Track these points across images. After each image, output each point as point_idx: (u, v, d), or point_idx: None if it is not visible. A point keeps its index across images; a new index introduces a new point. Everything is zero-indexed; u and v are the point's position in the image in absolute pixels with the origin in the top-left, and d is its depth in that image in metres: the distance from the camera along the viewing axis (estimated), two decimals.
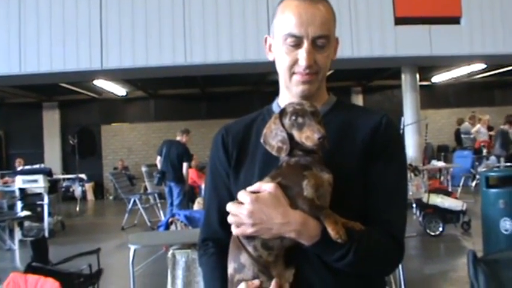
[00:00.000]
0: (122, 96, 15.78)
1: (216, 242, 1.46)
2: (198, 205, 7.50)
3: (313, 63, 1.36)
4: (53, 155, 16.03)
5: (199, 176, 10.96)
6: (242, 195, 1.26)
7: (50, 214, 9.21)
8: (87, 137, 16.20)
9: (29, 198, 9.35)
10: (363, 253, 1.25)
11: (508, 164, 10.96)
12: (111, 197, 15.64)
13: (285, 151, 1.28)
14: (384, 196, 1.34)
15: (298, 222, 1.22)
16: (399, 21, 7.98)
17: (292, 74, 1.39)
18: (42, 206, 9.08)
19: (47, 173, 9.66)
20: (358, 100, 16.59)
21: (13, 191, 9.45)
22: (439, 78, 15.01)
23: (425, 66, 11.53)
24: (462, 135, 13.92)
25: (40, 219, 8.94)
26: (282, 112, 1.31)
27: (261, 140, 1.33)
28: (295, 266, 1.30)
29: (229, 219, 1.27)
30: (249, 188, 1.28)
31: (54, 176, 11.22)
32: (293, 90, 1.41)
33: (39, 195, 9.22)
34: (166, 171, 8.96)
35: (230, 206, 1.27)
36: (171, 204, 9.00)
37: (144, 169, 11.58)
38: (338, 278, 1.30)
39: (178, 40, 7.76)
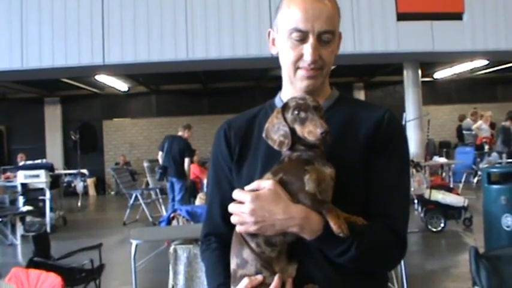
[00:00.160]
0: (124, 91, 15.77)
1: (218, 236, 1.46)
2: (199, 200, 7.53)
3: (318, 58, 1.35)
4: (54, 150, 16.04)
5: (202, 171, 10.96)
6: (241, 194, 1.26)
7: (51, 209, 9.22)
8: (89, 132, 16.21)
9: (31, 193, 9.36)
10: (365, 248, 1.25)
11: (510, 160, 10.96)
12: (112, 192, 15.66)
13: (287, 145, 1.27)
14: (387, 191, 1.34)
15: (301, 217, 1.22)
16: (401, 16, 7.94)
17: (296, 68, 1.38)
18: (44, 201, 9.10)
19: (49, 168, 9.68)
20: (360, 96, 16.55)
21: (15, 186, 9.47)
22: (441, 74, 14.99)
23: (428, 62, 11.50)
24: (464, 132, 13.90)
25: (42, 214, 8.95)
26: (285, 106, 1.31)
27: (263, 135, 1.33)
28: (297, 261, 1.30)
29: (233, 219, 1.27)
30: (248, 187, 1.28)
31: (56, 171, 11.25)
32: (297, 85, 1.40)
33: (41, 191, 9.24)
34: (168, 167, 8.97)
35: (232, 207, 1.27)
36: (173, 199, 9.02)
37: (145, 164, 11.59)
38: (340, 273, 1.29)
39: (180, 36, 7.74)
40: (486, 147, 12.55)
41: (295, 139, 1.27)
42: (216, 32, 7.77)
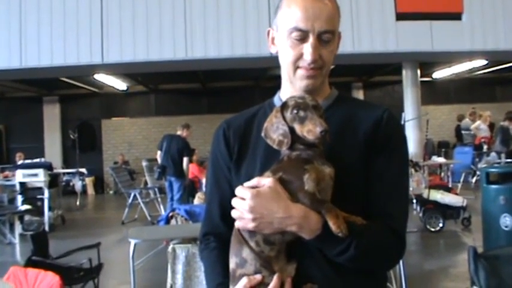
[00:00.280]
0: (123, 90, 15.77)
1: (217, 236, 1.46)
2: (198, 200, 7.51)
3: (318, 58, 1.35)
4: (53, 149, 16.03)
5: (201, 170, 10.95)
6: (242, 190, 1.26)
7: (50, 208, 9.22)
8: (88, 132, 16.20)
9: (29, 192, 9.35)
10: (364, 247, 1.25)
11: (509, 160, 10.97)
12: (111, 192, 15.65)
13: (286, 145, 1.27)
14: (386, 190, 1.34)
15: (300, 216, 1.22)
16: (400, 16, 7.95)
17: (296, 68, 1.38)
18: (42, 200, 9.09)
19: (48, 167, 9.67)
20: (359, 95, 16.54)
21: (13, 185, 9.46)
22: (440, 74, 14.99)
23: (426, 62, 11.50)
24: (462, 132, 13.91)
25: (40, 213, 8.94)
26: (284, 105, 1.30)
27: (262, 134, 1.32)
28: (297, 261, 1.30)
29: (233, 213, 1.27)
30: (247, 183, 1.28)
31: (55, 170, 11.23)
32: (297, 85, 1.40)
33: (39, 190, 9.22)
34: (166, 166, 8.97)
35: (235, 201, 1.27)
36: (172, 198, 9.02)
37: (144, 163, 11.59)
38: (340, 273, 1.29)
39: (179, 34, 7.74)
40: (485, 147, 12.55)
41: (294, 138, 1.27)
42: (215, 31, 7.76)
